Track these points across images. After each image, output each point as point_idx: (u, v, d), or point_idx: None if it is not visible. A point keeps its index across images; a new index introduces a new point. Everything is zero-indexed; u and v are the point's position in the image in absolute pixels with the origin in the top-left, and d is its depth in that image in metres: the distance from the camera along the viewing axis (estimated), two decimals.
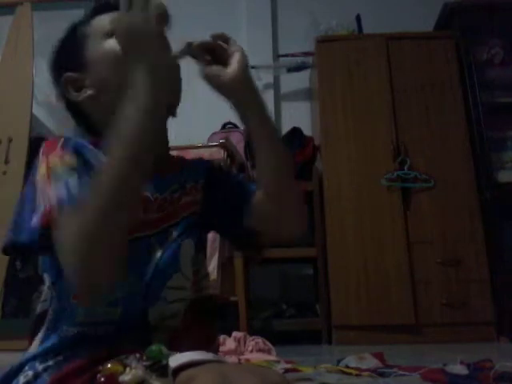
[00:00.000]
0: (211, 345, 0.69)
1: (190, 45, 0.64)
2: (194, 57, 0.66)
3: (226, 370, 0.37)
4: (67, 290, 0.58)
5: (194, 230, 0.69)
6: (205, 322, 0.71)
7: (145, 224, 0.63)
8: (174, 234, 0.66)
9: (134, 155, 0.51)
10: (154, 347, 0.34)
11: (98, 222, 0.49)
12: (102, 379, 0.32)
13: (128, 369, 0.33)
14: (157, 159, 0.67)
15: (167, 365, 0.34)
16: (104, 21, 0.69)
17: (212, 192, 0.75)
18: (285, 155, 0.69)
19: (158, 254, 0.63)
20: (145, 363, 0.33)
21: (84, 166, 0.59)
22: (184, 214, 0.69)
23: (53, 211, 0.53)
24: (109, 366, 0.33)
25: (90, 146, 0.65)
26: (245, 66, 0.66)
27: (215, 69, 0.66)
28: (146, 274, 0.62)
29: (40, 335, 0.60)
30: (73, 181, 0.56)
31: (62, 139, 0.62)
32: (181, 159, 0.78)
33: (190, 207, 0.70)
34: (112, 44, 0.66)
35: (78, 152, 0.61)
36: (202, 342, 0.61)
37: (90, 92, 0.68)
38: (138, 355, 0.34)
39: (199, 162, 0.79)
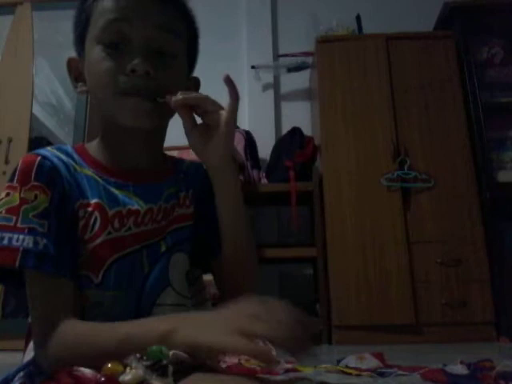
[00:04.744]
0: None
1: (170, 99, 0.58)
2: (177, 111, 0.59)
3: (225, 380, 0.37)
4: None
5: (185, 244, 0.66)
6: None
7: (136, 238, 0.60)
8: (164, 247, 0.63)
9: None
10: (154, 347, 0.34)
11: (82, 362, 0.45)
12: (102, 379, 0.32)
13: (128, 369, 0.33)
14: (150, 160, 0.66)
15: (167, 365, 0.34)
16: (107, 8, 0.60)
17: (202, 207, 0.70)
18: (248, 236, 0.66)
19: (147, 269, 0.61)
20: (145, 363, 0.33)
21: (58, 202, 0.57)
22: (175, 227, 0.65)
23: (11, 255, 0.51)
24: (109, 365, 0.33)
25: (75, 156, 0.62)
26: (229, 140, 0.58)
27: (196, 134, 0.59)
28: (136, 291, 0.60)
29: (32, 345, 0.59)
30: (41, 233, 0.53)
31: (38, 162, 0.57)
32: (177, 161, 0.74)
33: (182, 221, 0.67)
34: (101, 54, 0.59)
35: (53, 182, 0.57)
36: None
37: (84, 88, 0.64)
38: (138, 355, 0.34)
39: (197, 167, 0.74)
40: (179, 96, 0.57)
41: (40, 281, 0.54)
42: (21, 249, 0.51)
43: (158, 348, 0.34)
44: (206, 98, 0.58)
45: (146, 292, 0.60)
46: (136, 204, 0.62)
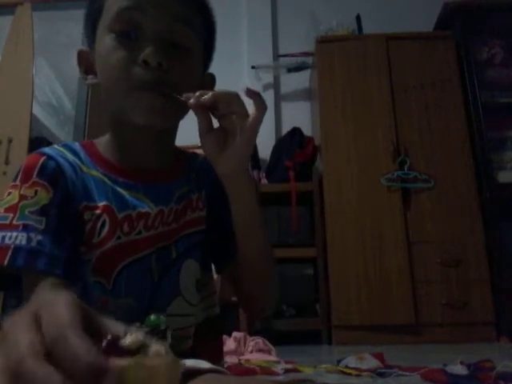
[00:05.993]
0: (219, 361, 0.66)
1: (189, 97, 0.52)
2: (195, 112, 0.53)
3: (227, 382, 0.37)
4: None
5: (197, 249, 0.63)
6: (212, 342, 0.68)
7: (146, 242, 0.58)
8: (174, 253, 0.60)
9: None
10: (152, 317, 0.34)
11: None
12: (104, 344, 0.32)
13: (128, 334, 0.33)
14: (161, 159, 0.63)
15: (166, 330, 0.34)
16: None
17: (214, 209, 0.66)
18: (266, 247, 0.62)
19: (156, 276, 0.58)
20: (144, 329, 0.34)
21: (60, 202, 0.55)
22: (187, 232, 0.62)
23: (1, 254, 0.50)
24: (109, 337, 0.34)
25: (82, 154, 0.60)
26: (249, 149, 0.53)
27: (212, 138, 0.53)
28: (146, 300, 0.57)
29: None
30: (37, 229, 0.52)
31: (41, 162, 0.55)
32: (189, 157, 0.69)
33: (194, 225, 0.63)
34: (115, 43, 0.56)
35: (56, 182, 0.55)
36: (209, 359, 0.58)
37: (94, 80, 0.61)
38: (138, 324, 0.34)
39: (210, 163, 0.65)
40: (207, 94, 0.50)
41: (31, 278, 0.52)
42: (12, 246, 0.50)
43: (156, 317, 0.35)
44: (237, 97, 0.50)
45: (157, 301, 0.58)
46: (146, 206, 0.59)
